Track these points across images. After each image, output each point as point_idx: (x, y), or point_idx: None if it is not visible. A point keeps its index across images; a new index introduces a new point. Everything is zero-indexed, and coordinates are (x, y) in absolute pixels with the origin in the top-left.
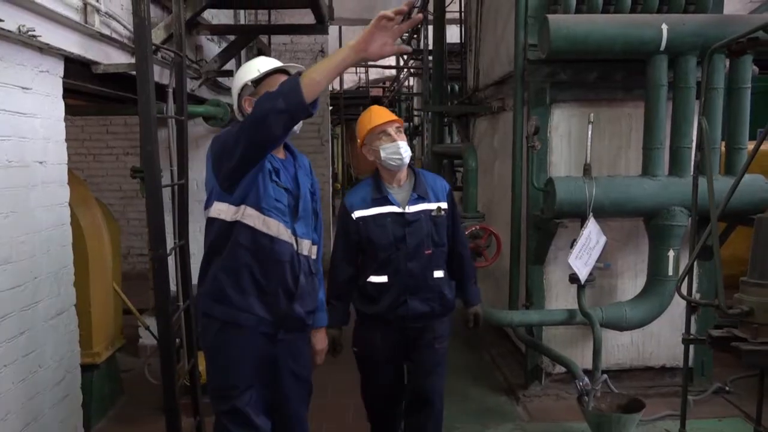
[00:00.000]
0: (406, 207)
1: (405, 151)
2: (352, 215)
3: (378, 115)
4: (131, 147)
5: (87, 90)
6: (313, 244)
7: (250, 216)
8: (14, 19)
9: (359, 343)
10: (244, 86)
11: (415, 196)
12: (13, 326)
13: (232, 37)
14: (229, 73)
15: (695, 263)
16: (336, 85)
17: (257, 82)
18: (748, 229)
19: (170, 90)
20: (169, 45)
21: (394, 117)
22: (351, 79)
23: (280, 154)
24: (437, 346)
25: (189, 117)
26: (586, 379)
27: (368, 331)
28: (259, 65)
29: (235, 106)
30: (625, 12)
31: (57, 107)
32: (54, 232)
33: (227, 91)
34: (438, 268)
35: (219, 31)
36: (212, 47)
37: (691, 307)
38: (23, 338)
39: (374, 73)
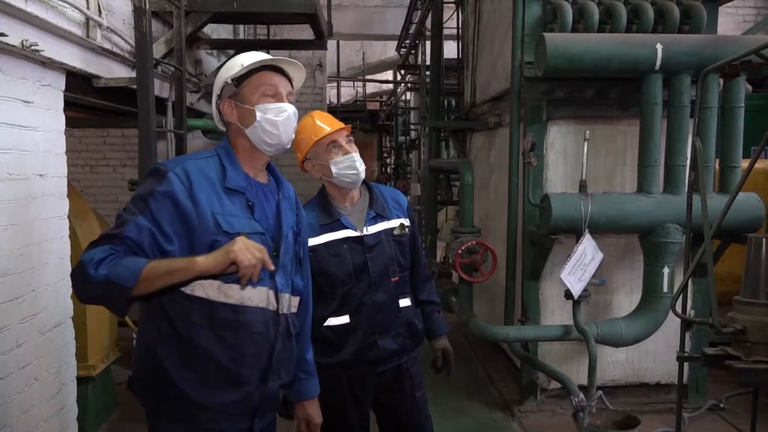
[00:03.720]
0: (364, 228)
1: (361, 165)
2: None
3: (325, 122)
4: (128, 159)
5: (87, 103)
6: (294, 294)
7: (198, 283)
8: (18, 34)
9: (321, 399)
10: (225, 86)
11: (372, 215)
12: (11, 338)
13: (231, 52)
14: None
15: (690, 279)
16: (333, 98)
17: (240, 79)
18: (744, 246)
19: (170, 103)
20: (169, 59)
21: (342, 124)
22: (348, 92)
23: (262, 177)
24: (418, 395)
25: (188, 130)
26: (582, 395)
27: (332, 385)
28: (243, 59)
29: (214, 111)
30: (621, 31)
31: (58, 120)
32: (53, 244)
33: None
34: (404, 296)
35: (219, 45)
36: (212, 61)
37: (686, 325)
38: (20, 351)
39: (371, 87)
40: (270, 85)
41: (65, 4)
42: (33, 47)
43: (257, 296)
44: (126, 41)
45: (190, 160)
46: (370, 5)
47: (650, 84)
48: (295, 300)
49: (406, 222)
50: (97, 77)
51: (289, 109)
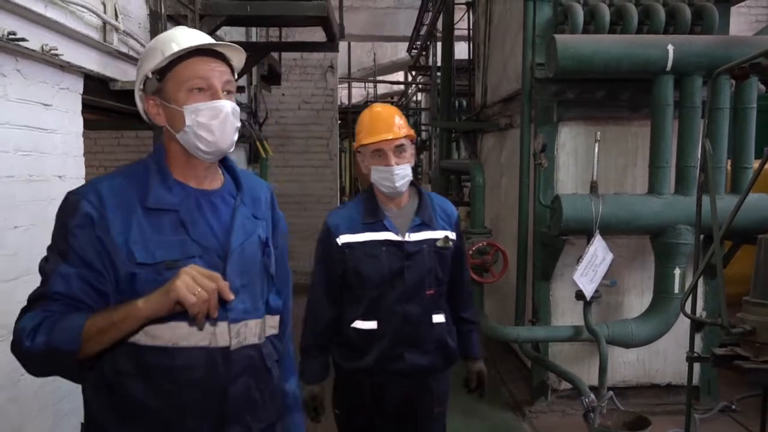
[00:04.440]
0: (407, 235)
1: (400, 179)
2: (337, 240)
3: (375, 128)
4: None
5: (103, 105)
6: (273, 314)
7: None
8: (38, 39)
9: (343, 404)
10: (146, 80)
11: (417, 222)
12: None
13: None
14: (240, 89)
15: (701, 281)
16: (344, 99)
17: (163, 71)
18: (755, 247)
19: None
20: None
21: (396, 132)
22: (359, 93)
23: (211, 181)
24: (436, 411)
25: None
26: (592, 395)
27: (354, 390)
28: (164, 45)
29: (140, 108)
30: (632, 32)
31: (76, 123)
32: None
33: (240, 105)
34: (438, 311)
35: None
36: None
37: (696, 326)
38: None
39: (382, 88)
40: (200, 78)
41: (83, 9)
42: (52, 51)
43: (195, 334)
44: (142, 45)
45: (105, 181)
46: (381, 7)
47: (661, 85)
48: (273, 320)
49: (452, 235)
50: (114, 80)
51: (226, 107)
